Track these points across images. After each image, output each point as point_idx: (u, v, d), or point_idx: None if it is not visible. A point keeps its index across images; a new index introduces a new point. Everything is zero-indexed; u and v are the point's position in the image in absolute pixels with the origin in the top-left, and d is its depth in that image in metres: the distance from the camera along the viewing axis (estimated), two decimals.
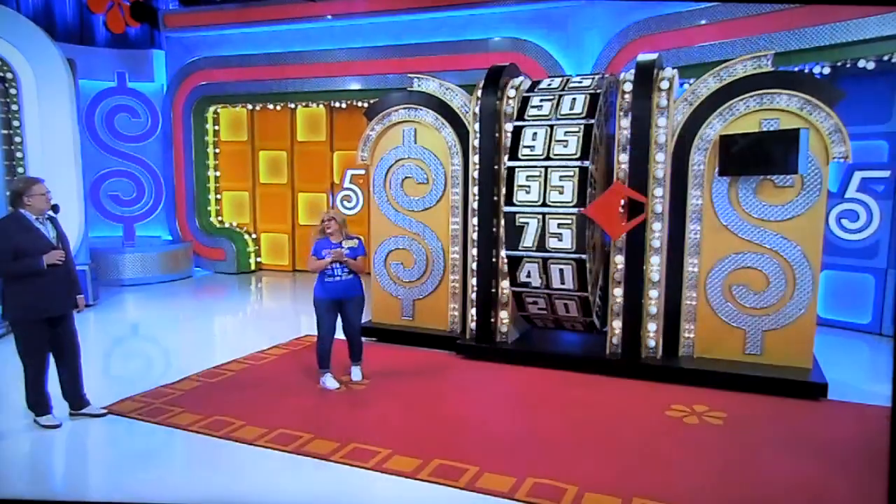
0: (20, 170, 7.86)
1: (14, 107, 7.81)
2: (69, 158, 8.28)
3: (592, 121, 6.09)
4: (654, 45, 8.28)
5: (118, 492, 4.09)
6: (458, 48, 10.17)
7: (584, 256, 6.04)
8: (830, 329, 7.83)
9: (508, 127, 6.55)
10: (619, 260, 6.22)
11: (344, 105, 11.58)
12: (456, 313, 7.19)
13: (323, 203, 12.23)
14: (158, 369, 6.84)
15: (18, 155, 7.86)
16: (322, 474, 4.24)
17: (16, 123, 7.84)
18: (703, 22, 8.34)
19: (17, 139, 7.87)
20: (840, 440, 4.87)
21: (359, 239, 6.02)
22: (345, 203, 12.09)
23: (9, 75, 7.76)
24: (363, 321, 7.56)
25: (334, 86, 11.20)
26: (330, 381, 5.86)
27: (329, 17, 11.16)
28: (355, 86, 11.09)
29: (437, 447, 4.59)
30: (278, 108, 12.00)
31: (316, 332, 5.92)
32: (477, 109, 6.64)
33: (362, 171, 11.76)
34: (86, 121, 10.68)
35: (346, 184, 12.03)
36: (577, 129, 6.12)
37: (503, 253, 6.49)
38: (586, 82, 6.45)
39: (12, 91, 7.80)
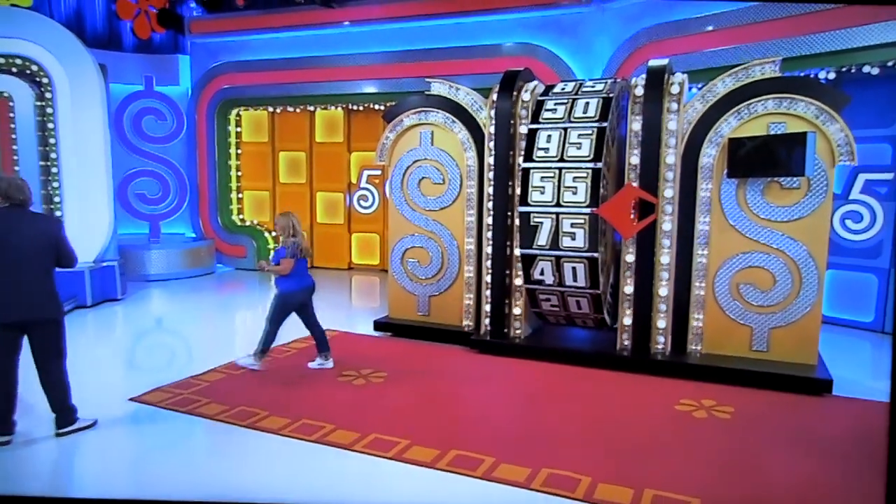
0: (54, 170, 7.93)
1: (49, 110, 7.87)
2: (100, 159, 8.34)
3: (605, 124, 6.07)
4: (663, 50, 8.24)
5: (148, 478, 4.13)
6: (472, 53, 10.16)
7: (596, 255, 6.03)
8: (834, 327, 7.78)
9: (523, 129, 6.54)
10: (629, 258, 6.20)
11: (360, 108, 11.61)
12: (470, 309, 7.19)
13: (340, 202, 12.27)
14: (184, 361, 6.89)
15: (52, 156, 7.93)
16: (344, 463, 4.26)
17: (50, 125, 7.90)
18: (710, 28, 8.29)
19: (52, 140, 7.94)
20: (844, 435, 4.83)
21: (283, 247, 6.05)
22: (361, 202, 12.14)
23: (44, 80, 7.83)
24: (380, 316, 7.65)
25: (351, 89, 11.23)
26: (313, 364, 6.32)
27: (346, 23, 11.19)
28: (371, 89, 11.11)
29: (454, 438, 4.59)
30: (298, 110, 12.06)
31: (326, 327, 6.24)
32: (492, 112, 6.64)
33: (378, 172, 11.82)
34: (114, 122, 10.74)
35: (363, 184, 12.08)
36: (590, 132, 6.11)
37: (517, 251, 6.49)
38: (599, 86, 6.43)
39: (47, 95, 7.86)
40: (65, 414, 4.60)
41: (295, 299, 6.11)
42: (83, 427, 4.66)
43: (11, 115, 7.75)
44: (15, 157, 7.76)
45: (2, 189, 4.38)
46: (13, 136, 7.77)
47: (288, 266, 5.94)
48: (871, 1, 6.26)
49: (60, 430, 4.56)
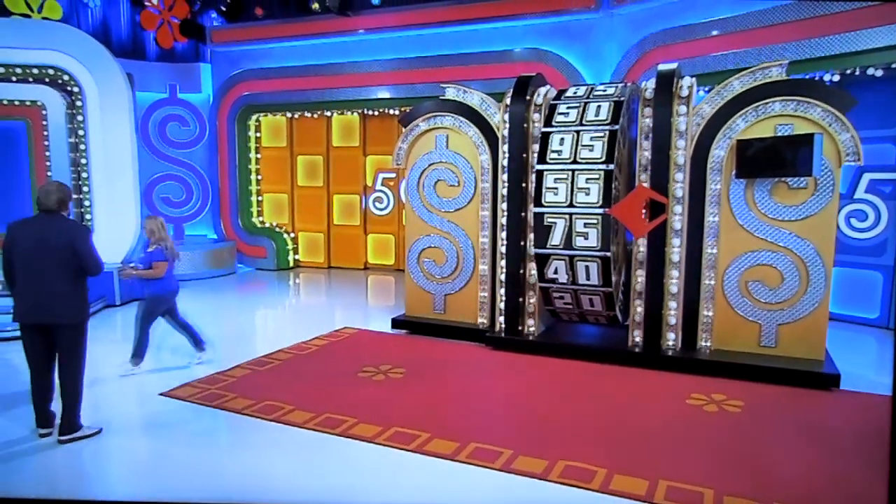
0: (84, 175, 8.03)
1: (79, 117, 7.98)
2: (127, 164, 8.44)
3: (616, 127, 6.08)
4: (670, 54, 8.21)
5: (180, 469, 4.17)
6: (484, 59, 10.17)
7: (608, 254, 6.04)
8: (840, 323, 7.73)
9: (536, 133, 6.55)
10: (640, 258, 6.20)
11: (376, 113, 11.67)
12: (485, 307, 7.20)
13: (356, 204, 12.32)
14: (210, 357, 6.92)
15: (83, 161, 8.04)
16: (367, 455, 4.30)
17: (81, 132, 8.01)
18: (715, 33, 8.26)
19: (82, 146, 8.05)
20: (852, 428, 4.82)
21: (158, 249, 5.80)
22: (376, 204, 12.19)
23: (75, 89, 7.93)
24: (397, 315, 7.70)
25: (367, 95, 11.27)
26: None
27: (362, 31, 11.24)
28: (386, 95, 11.15)
29: (472, 431, 4.62)
30: (315, 116, 12.12)
31: (344, 325, 6.00)
32: (506, 116, 6.66)
33: (393, 175, 11.86)
34: (140, 129, 10.87)
35: (378, 186, 12.13)
36: (602, 135, 6.12)
37: (531, 251, 6.50)
38: (610, 90, 6.44)
39: (78, 103, 7.97)
40: (65, 424, 4.45)
41: (167, 303, 5.93)
42: (87, 435, 4.49)
43: (45, 122, 7.85)
44: (48, 164, 7.88)
45: (36, 195, 4.45)
46: (46, 143, 7.87)
47: (163, 269, 5.72)
48: None
49: (62, 438, 4.42)
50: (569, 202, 6.15)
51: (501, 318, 6.91)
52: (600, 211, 6.03)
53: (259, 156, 12.68)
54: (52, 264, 4.31)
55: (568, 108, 6.40)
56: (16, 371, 5.95)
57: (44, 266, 4.30)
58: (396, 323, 7.61)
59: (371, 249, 12.48)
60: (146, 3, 12.03)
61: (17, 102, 7.77)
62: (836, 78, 7.39)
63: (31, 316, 4.36)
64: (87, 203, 8.29)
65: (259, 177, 12.70)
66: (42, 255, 4.30)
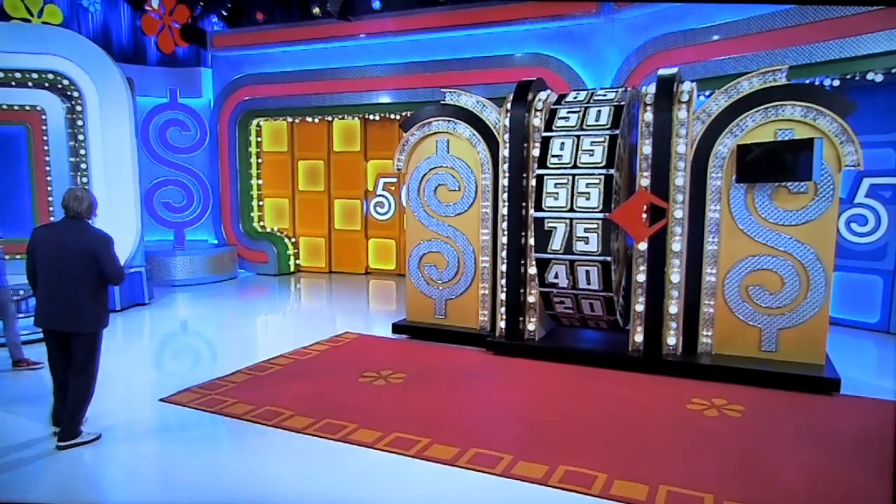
0: (84, 180, 8.06)
1: (79, 122, 8.01)
2: (127, 168, 8.46)
3: (617, 131, 6.11)
4: (671, 59, 8.25)
5: (179, 476, 4.18)
6: (485, 63, 10.22)
7: (609, 258, 6.05)
8: (840, 328, 7.75)
9: (537, 137, 6.58)
10: (641, 263, 6.21)
11: (377, 117, 11.71)
12: (486, 312, 7.22)
13: (357, 208, 12.33)
14: (210, 362, 6.95)
15: (83, 166, 8.07)
16: (367, 461, 4.30)
17: (81, 137, 8.04)
18: (716, 38, 8.29)
19: (82, 151, 8.08)
20: (853, 432, 4.82)
21: None
22: (377, 209, 12.22)
23: (75, 94, 7.97)
24: (398, 319, 7.71)
25: (368, 99, 11.31)
26: None
27: (363, 35, 11.28)
28: (387, 99, 11.18)
29: (473, 437, 4.62)
30: (316, 120, 12.16)
31: (345, 330, 5.97)
32: (507, 121, 6.68)
33: (394, 179, 11.89)
34: (141, 134, 10.89)
35: (379, 191, 12.16)
36: (602, 139, 6.14)
37: (532, 255, 6.52)
38: (611, 95, 6.46)
39: (78, 108, 8.01)
40: (65, 430, 4.43)
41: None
42: (86, 441, 4.47)
43: (44, 127, 7.89)
44: (47, 168, 7.91)
45: (64, 199, 4.44)
46: (46, 148, 7.91)
47: None
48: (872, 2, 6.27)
49: (60, 444, 4.39)
50: (569, 207, 6.17)
51: (502, 323, 6.92)
52: (601, 215, 6.04)
53: (260, 160, 12.72)
54: (73, 271, 4.32)
55: (568, 112, 6.43)
56: (15, 373, 6.00)
57: (64, 272, 4.31)
58: (397, 328, 7.62)
59: (372, 254, 12.50)
60: (147, 8, 12.08)
61: (16, 107, 7.81)
62: (836, 83, 7.41)
63: (48, 322, 4.39)
64: None
65: (260, 181, 12.73)
66: (63, 261, 4.31)
